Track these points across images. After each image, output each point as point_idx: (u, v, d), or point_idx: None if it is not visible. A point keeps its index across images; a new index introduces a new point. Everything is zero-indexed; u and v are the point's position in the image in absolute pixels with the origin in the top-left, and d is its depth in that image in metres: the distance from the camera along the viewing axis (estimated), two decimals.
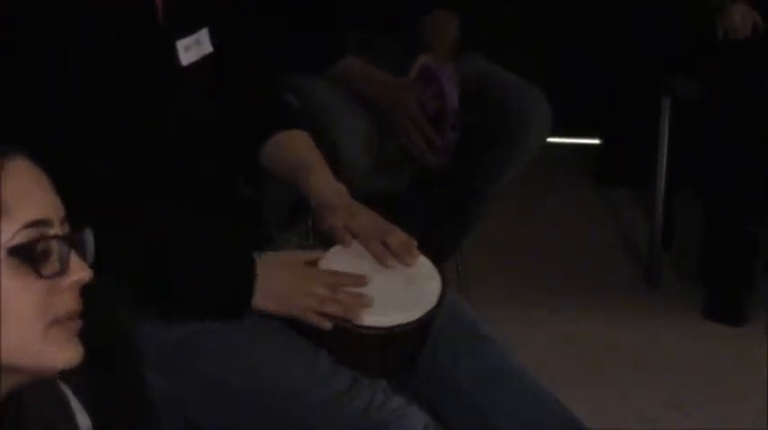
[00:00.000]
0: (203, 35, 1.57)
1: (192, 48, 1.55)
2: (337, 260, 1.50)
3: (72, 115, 1.42)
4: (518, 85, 2.32)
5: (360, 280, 1.46)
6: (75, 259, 0.98)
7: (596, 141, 3.50)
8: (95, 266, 1.00)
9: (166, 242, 1.45)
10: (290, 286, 1.44)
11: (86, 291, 0.99)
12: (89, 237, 1.01)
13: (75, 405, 1.07)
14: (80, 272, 0.98)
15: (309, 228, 1.99)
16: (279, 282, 1.45)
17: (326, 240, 1.53)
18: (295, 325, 1.47)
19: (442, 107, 2.17)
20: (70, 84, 1.42)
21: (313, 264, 1.49)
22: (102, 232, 1.04)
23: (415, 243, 1.51)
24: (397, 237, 1.51)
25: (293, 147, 1.66)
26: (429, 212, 2.38)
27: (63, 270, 0.96)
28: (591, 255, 2.93)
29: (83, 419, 1.08)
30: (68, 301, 0.97)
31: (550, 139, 2.36)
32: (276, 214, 1.67)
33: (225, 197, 1.60)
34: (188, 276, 1.44)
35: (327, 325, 1.43)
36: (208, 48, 1.58)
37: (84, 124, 1.43)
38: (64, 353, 0.97)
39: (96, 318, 1.02)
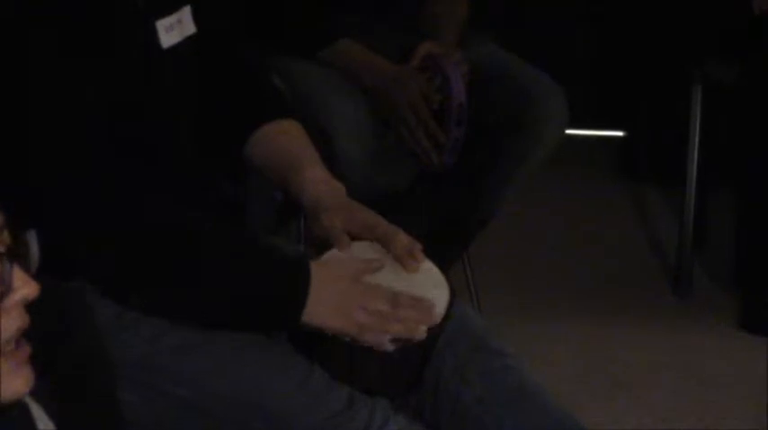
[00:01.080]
0: (186, 14, 1.56)
1: (174, 28, 1.54)
2: (333, 261, 1.49)
3: (41, 104, 1.41)
4: (532, 75, 2.32)
5: (426, 310, 1.42)
6: (18, 274, 0.94)
7: (620, 133, 3.51)
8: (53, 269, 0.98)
9: (183, 242, 1.41)
10: (348, 299, 1.41)
11: (42, 302, 0.97)
12: (32, 239, 0.98)
13: (38, 414, 1.06)
14: (25, 287, 0.95)
15: (300, 232, 1.98)
16: (334, 293, 1.41)
17: (320, 244, 1.53)
18: (291, 337, 1.47)
19: (447, 100, 2.17)
20: (37, 70, 1.41)
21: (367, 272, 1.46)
22: (75, 235, 1.03)
23: (419, 246, 1.51)
24: (400, 239, 1.51)
25: (283, 140, 1.65)
26: (434, 213, 2.39)
27: (5, 290, 0.93)
28: (613, 260, 2.94)
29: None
30: (13, 322, 0.94)
31: (569, 131, 2.36)
32: (261, 215, 1.67)
33: (205, 195, 1.60)
34: (220, 281, 1.40)
35: (389, 346, 1.40)
36: (191, 28, 1.57)
37: (54, 114, 1.41)
38: (11, 385, 0.94)
39: (62, 329, 1.02)
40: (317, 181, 1.58)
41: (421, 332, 1.41)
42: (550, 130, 2.30)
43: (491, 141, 2.31)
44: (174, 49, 1.54)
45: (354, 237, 1.53)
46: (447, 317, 1.46)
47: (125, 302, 1.43)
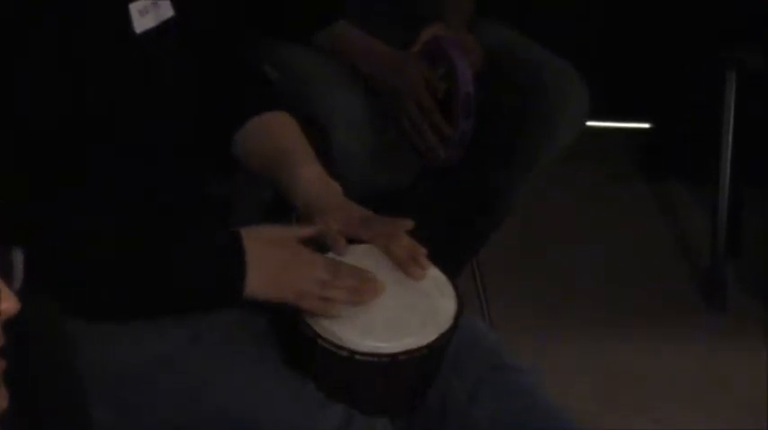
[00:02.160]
0: None
1: (149, 11, 1.55)
2: None
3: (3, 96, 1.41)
4: (548, 60, 2.32)
5: (370, 280, 1.47)
6: (2, 290, 0.96)
7: (644, 125, 3.52)
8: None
9: (125, 237, 1.45)
10: (287, 266, 1.47)
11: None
12: (17, 257, 1.01)
13: None
14: (6, 302, 0.96)
15: None
16: (273, 261, 1.47)
17: (315, 248, 1.54)
18: (283, 353, 1.48)
19: (453, 89, 2.17)
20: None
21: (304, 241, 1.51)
22: (29, 236, 1.04)
23: (424, 251, 1.52)
24: (403, 243, 1.52)
25: (275, 134, 1.66)
26: (440, 214, 2.39)
27: None
28: (637, 267, 2.93)
29: None
30: None
31: (588, 123, 2.36)
32: (249, 217, 1.68)
33: (187, 194, 1.61)
34: (160, 263, 1.45)
35: (335, 311, 1.44)
36: (168, 11, 1.58)
37: (18, 106, 1.42)
38: None
39: (30, 343, 1.02)
40: (311, 180, 1.59)
41: (362, 300, 1.45)
42: (568, 122, 2.31)
43: (502, 134, 2.31)
44: (149, 34, 1.55)
45: (352, 241, 1.53)
46: (454, 328, 1.47)
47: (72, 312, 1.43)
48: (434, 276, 1.53)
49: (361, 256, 1.53)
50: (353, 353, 1.43)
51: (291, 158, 1.62)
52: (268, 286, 1.46)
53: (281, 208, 1.71)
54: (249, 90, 1.70)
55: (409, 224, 1.54)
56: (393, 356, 1.43)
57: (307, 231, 1.52)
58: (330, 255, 1.52)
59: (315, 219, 1.55)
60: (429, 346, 1.45)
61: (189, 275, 1.46)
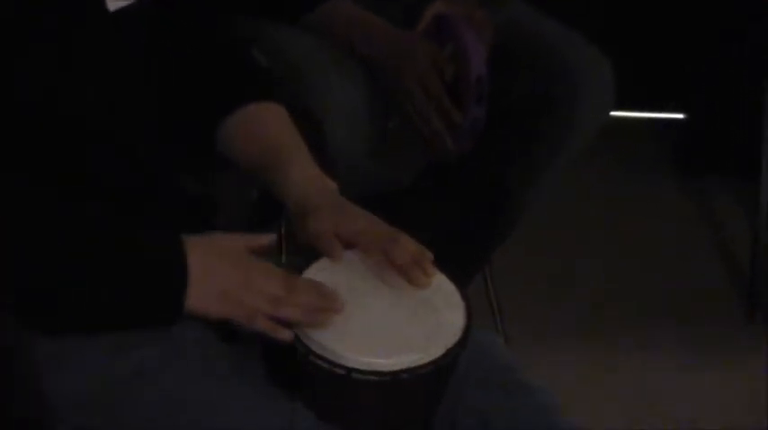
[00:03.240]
0: None
1: None
2: (322, 279, 1.51)
3: None
4: (571, 42, 2.32)
5: (329, 297, 1.47)
6: None
7: (678, 116, 3.51)
8: None
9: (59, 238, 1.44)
10: (236, 282, 1.47)
11: None
12: None
13: None
14: None
15: (282, 239, 1.99)
16: (219, 275, 1.47)
17: (308, 254, 1.54)
18: (267, 368, 1.49)
19: (463, 72, 2.17)
20: None
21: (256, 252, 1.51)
22: None
23: (429, 256, 1.52)
24: (406, 247, 1.51)
25: (264, 127, 1.67)
26: (447, 215, 2.39)
27: None
28: (671, 275, 2.93)
29: None
30: None
31: (615, 113, 2.35)
32: (234, 218, 1.68)
33: (164, 193, 1.61)
34: (88, 273, 1.44)
35: (286, 334, 1.44)
36: None
37: None
38: None
39: None
40: (304, 178, 1.60)
41: (319, 319, 1.45)
42: (593, 111, 2.31)
43: (519, 124, 2.31)
44: (124, 12, 1.55)
45: (349, 245, 1.54)
46: (463, 345, 1.47)
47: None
48: (441, 284, 1.53)
49: (358, 263, 1.53)
50: (350, 370, 1.42)
51: (283, 154, 1.63)
52: (212, 304, 1.46)
53: (269, 208, 1.71)
54: (236, 77, 1.70)
55: (412, 242, 1.53)
56: (394, 375, 1.43)
57: (262, 240, 1.52)
58: (320, 262, 1.53)
59: (308, 221, 1.55)
60: (435, 363, 1.45)
61: (119, 287, 1.45)
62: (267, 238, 1.53)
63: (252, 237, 1.53)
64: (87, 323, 1.46)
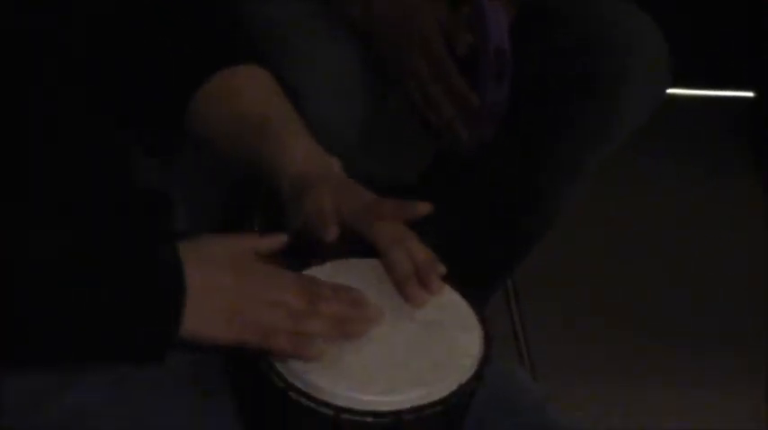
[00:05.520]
0: None
1: None
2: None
3: None
4: (615, 8, 2.33)
5: (361, 302, 1.47)
6: None
7: (747, 94, 3.51)
8: None
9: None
10: (244, 295, 1.46)
11: None
12: None
13: None
14: None
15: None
16: (223, 287, 1.46)
17: (299, 250, 1.56)
18: (240, 406, 1.48)
19: (481, 43, 2.16)
20: None
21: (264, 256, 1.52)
22: None
23: (440, 269, 1.53)
24: (412, 252, 1.53)
25: (247, 95, 1.69)
26: (462, 218, 2.39)
27: None
28: (739, 293, 2.95)
29: None
30: None
31: (671, 91, 2.35)
32: (201, 217, 1.69)
33: (116, 186, 1.62)
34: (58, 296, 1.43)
35: (314, 350, 1.43)
36: None
37: None
38: None
39: None
40: (303, 155, 1.63)
41: (351, 332, 1.45)
42: (643, 91, 2.31)
43: (551, 108, 2.32)
44: None
45: (349, 237, 1.55)
46: (479, 377, 1.46)
47: None
48: (453, 303, 1.53)
49: (353, 271, 1.55)
50: (339, 410, 1.42)
51: (274, 126, 1.65)
52: (218, 326, 1.45)
53: (240, 207, 1.71)
54: (208, 37, 1.72)
55: (426, 208, 1.56)
56: (396, 415, 1.43)
57: (271, 242, 1.52)
58: (307, 272, 1.53)
59: (304, 201, 1.57)
60: (444, 402, 1.44)
61: (98, 313, 1.44)
62: (278, 239, 1.52)
63: (258, 238, 1.54)
64: (58, 356, 1.46)
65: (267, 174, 1.63)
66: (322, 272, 1.54)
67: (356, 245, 1.56)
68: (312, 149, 1.63)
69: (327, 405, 1.41)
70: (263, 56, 1.85)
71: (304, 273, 1.54)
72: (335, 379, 1.43)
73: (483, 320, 1.51)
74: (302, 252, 1.56)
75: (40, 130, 1.56)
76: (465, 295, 1.54)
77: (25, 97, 1.55)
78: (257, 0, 2.23)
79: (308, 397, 1.42)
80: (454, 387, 1.44)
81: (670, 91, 2.34)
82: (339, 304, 1.47)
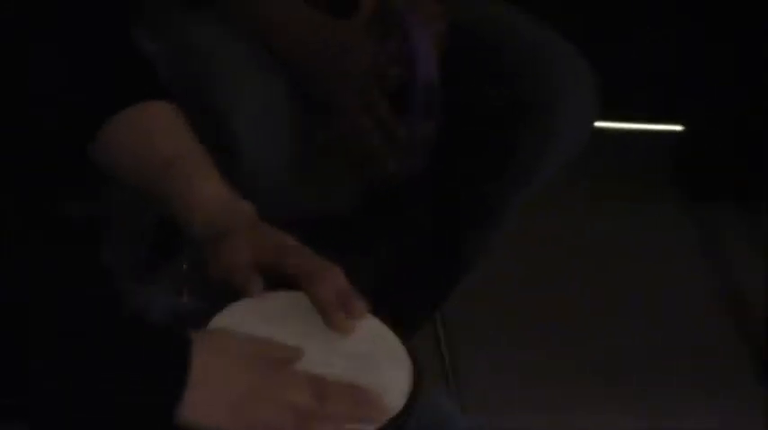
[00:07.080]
0: None
1: None
2: (236, 327, 1.50)
3: None
4: (545, 41, 2.33)
5: (369, 403, 1.45)
6: None
7: (676, 128, 3.53)
8: None
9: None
10: (251, 390, 1.44)
11: None
12: None
13: None
14: None
15: (184, 275, 1.96)
16: (229, 381, 1.44)
17: (220, 292, 1.54)
18: None
19: (409, 76, 2.16)
20: None
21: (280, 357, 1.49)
22: None
23: (361, 304, 1.51)
24: (334, 282, 1.52)
25: (156, 132, 1.67)
26: (390, 250, 2.40)
27: None
28: (670, 321, 2.95)
29: None
30: None
31: (600, 124, 2.36)
32: (125, 250, 1.67)
33: (33, 218, 1.59)
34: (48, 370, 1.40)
35: None
36: None
37: None
38: None
39: None
40: (213, 197, 1.61)
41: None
42: (572, 124, 2.31)
43: (481, 138, 2.32)
44: None
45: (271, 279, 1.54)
46: (408, 412, 1.45)
47: None
48: (381, 334, 1.52)
49: (281, 306, 1.53)
50: None
51: (183, 167, 1.63)
52: (220, 416, 1.42)
53: (171, 235, 1.68)
54: (118, 72, 1.69)
55: (343, 279, 1.53)
56: None
57: (294, 353, 1.49)
58: (239, 303, 1.52)
59: (221, 249, 1.55)
60: None
61: (97, 393, 1.41)
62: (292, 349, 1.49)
63: (279, 345, 1.50)
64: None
65: (177, 214, 1.61)
66: (248, 305, 1.52)
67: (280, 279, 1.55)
68: (223, 194, 1.61)
69: None
70: (189, 80, 1.85)
71: (229, 307, 1.51)
72: None
73: (411, 353, 1.50)
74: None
75: None
76: (393, 328, 1.52)
77: None
78: (185, 22, 2.22)
79: None
80: (381, 424, 1.42)
81: (599, 124, 2.36)
82: (348, 403, 1.44)
